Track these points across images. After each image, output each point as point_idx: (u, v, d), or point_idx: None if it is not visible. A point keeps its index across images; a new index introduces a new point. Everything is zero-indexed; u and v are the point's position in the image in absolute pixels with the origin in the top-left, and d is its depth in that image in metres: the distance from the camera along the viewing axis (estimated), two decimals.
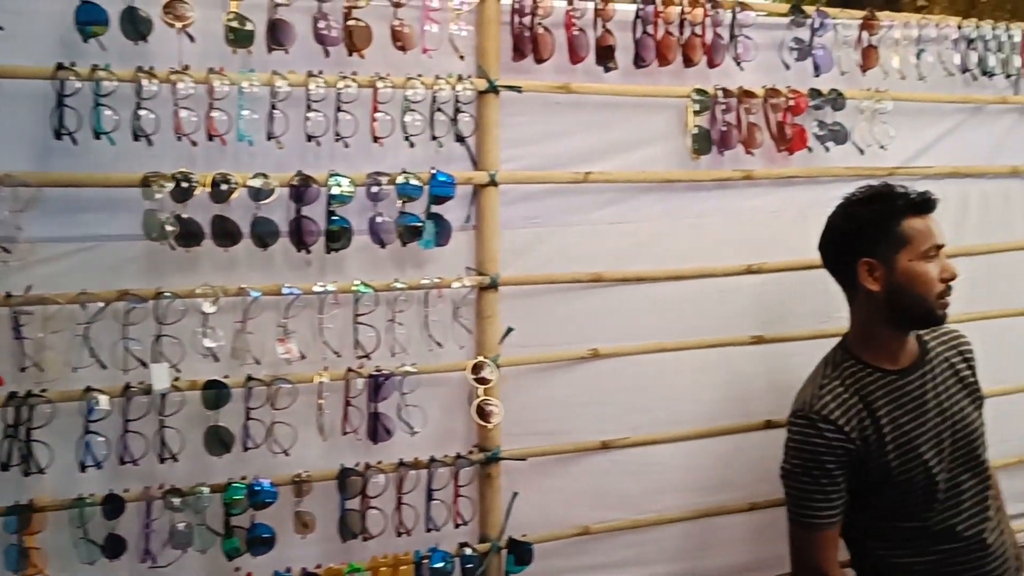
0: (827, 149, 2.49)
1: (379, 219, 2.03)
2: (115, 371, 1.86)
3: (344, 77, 1.97)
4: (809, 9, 2.47)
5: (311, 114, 1.95)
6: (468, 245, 2.17)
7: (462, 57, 2.11)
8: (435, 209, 2.08)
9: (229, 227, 1.91)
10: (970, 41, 2.68)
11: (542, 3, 2.16)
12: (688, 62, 2.33)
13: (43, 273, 1.81)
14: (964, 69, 2.68)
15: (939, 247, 2.02)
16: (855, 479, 2.02)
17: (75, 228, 1.85)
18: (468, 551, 2.14)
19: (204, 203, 1.88)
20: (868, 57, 2.54)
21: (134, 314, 1.86)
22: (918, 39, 2.61)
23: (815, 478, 2.00)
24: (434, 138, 2.08)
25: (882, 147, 2.55)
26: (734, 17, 2.37)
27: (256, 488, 1.94)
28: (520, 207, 2.21)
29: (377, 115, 2.01)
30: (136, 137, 1.83)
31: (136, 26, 1.82)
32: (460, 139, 2.12)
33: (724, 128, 2.37)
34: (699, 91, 2.33)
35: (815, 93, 2.45)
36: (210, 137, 1.88)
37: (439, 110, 2.07)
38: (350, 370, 2.03)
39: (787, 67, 2.45)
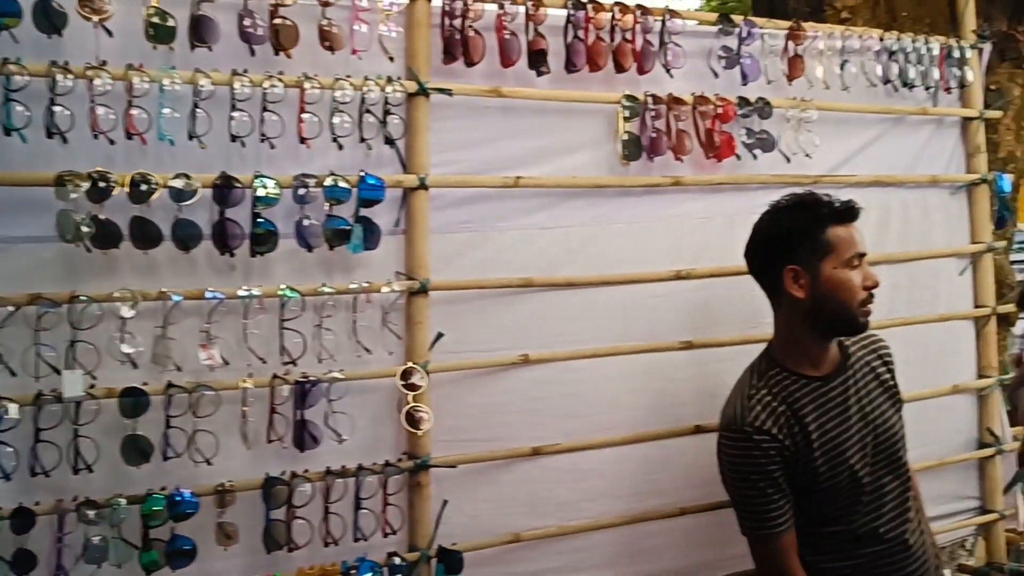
0: (755, 157, 2.53)
1: (306, 222, 2.00)
2: (26, 378, 1.79)
3: (270, 77, 1.94)
4: (737, 18, 2.52)
5: (236, 114, 1.92)
6: (398, 249, 2.14)
7: (392, 59, 2.09)
8: (364, 212, 2.05)
9: (149, 229, 1.86)
10: (891, 53, 2.75)
11: (473, 6, 2.15)
12: (619, 68, 2.35)
13: None
14: (886, 80, 2.75)
15: (862, 255, 2.07)
16: (788, 484, 2.04)
17: None
18: (397, 561, 2.11)
19: (123, 204, 1.83)
20: (794, 67, 2.59)
21: (47, 319, 1.79)
22: (842, 50, 2.68)
23: (760, 489, 2.02)
24: (363, 140, 2.06)
25: (807, 155, 2.60)
26: (664, 24, 2.39)
27: (176, 499, 1.88)
28: (450, 212, 2.20)
29: (304, 116, 1.99)
30: (50, 134, 1.77)
31: (50, 19, 1.77)
32: (390, 142, 2.10)
33: (654, 134, 2.38)
34: (629, 97, 2.35)
35: (743, 101, 2.49)
36: (129, 136, 1.83)
37: (368, 112, 2.06)
38: (276, 377, 1.99)
39: (716, 75, 2.49)
